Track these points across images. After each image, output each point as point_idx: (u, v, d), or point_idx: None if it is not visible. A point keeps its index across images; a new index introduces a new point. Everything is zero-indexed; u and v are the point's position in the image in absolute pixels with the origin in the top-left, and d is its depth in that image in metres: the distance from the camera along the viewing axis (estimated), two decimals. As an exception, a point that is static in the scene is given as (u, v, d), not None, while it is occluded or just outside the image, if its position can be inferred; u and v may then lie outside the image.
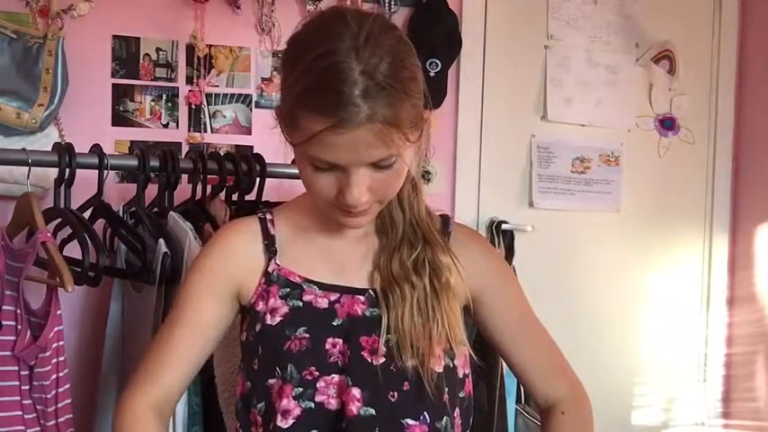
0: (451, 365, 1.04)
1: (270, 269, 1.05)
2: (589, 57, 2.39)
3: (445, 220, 1.12)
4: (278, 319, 1.02)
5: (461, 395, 1.07)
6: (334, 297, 1.04)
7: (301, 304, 1.03)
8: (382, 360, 1.00)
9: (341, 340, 1.01)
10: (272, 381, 1.01)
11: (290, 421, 0.99)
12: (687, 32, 2.47)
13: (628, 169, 2.42)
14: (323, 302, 1.03)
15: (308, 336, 1.01)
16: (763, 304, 2.38)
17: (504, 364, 1.39)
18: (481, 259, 1.12)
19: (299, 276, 1.04)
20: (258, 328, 1.03)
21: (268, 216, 1.09)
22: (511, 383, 1.58)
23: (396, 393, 1.00)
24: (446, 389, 1.03)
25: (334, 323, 1.02)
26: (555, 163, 2.36)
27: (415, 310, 1.02)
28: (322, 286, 1.04)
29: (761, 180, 2.42)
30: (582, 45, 2.38)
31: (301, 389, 1.00)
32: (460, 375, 1.06)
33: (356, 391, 0.99)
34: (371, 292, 1.04)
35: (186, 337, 1.04)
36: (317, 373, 1.00)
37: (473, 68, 2.26)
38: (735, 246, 2.49)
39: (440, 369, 1.02)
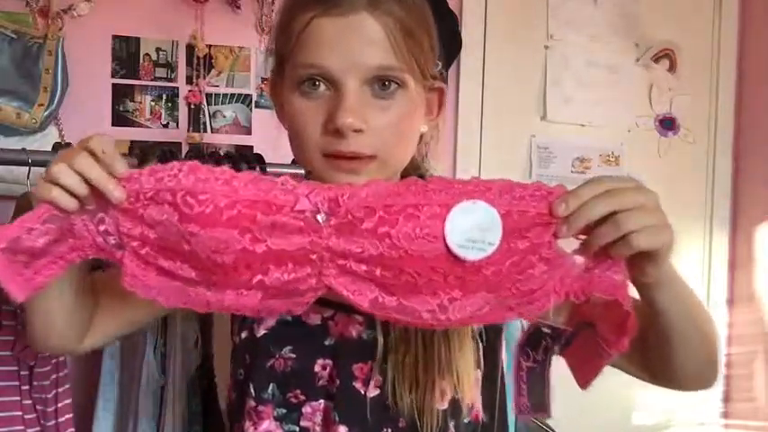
0: (458, 396, 0.90)
1: None
2: (589, 57, 2.39)
3: None
4: (263, 331, 0.91)
5: (466, 421, 0.92)
6: (327, 313, 0.91)
7: (290, 318, 0.90)
8: (376, 392, 0.88)
9: (331, 362, 0.90)
10: (252, 399, 0.91)
11: None
12: (687, 32, 2.47)
13: (628, 169, 2.42)
14: (315, 318, 0.91)
15: (294, 356, 0.90)
16: (763, 304, 2.38)
17: (504, 364, 1.38)
18: None
19: None
20: (244, 335, 0.93)
21: None
22: (511, 383, 1.57)
23: (389, 430, 0.88)
24: (451, 423, 0.89)
25: (326, 343, 0.90)
26: (555, 163, 2.36)
27: (419, 340, 0.88)
28: (316, 300, 0.88)
29: (761, 180, 2.42)
30: (582, 45, 2.38)
31: (284, 410, 0.90)
32: (468, 403, 0.91)
33: (342, 429, 0.87)
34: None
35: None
36: (302, 397, 0.90)
37: (473, 68, 2.26)
38: (735, 246, 2.49)
39: (443, 406, 0.89)
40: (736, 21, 2.49)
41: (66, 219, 0.74)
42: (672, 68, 2.46)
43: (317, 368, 0.90)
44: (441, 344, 0.88)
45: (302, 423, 0.90)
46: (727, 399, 2.49)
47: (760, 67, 2.45)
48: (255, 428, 0.90)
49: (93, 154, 0.74)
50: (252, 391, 0.91)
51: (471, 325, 0.79)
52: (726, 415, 2.49)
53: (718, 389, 2.49)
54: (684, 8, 2.46)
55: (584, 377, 0.81)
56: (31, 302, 0.84)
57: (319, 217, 0.72)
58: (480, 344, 0.94)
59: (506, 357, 0.98)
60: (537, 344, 0.79)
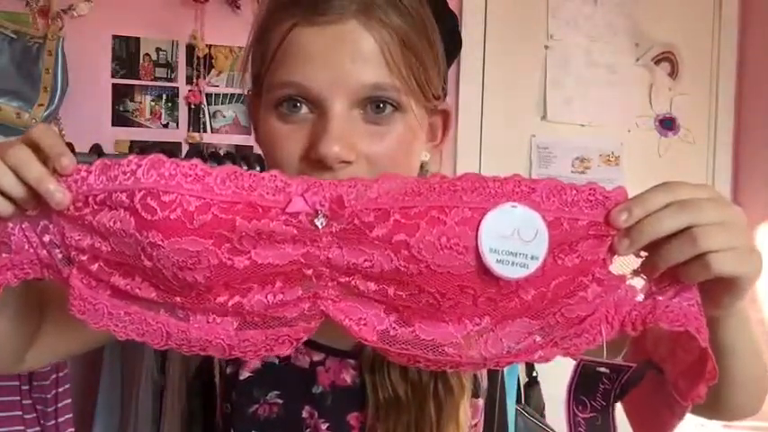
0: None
1: None
2: (589, 57, 2.39)
3: None
4: (247, 374, 0.82)
5: None
6: (317, 357, 0.81)
7: (277, 360, 0.80)
8: None
9: (317, 413, 0.80)
10: None
11: None
12: (687, 32, 2.46)
13: (628, 169, 2.42)
14: (303, 361, 0.81)
15: (280, 402, 0.81)
16: (763, 304, 2.38)
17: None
18: None
19: None
20: (229, 370, 0.85)
21: None
22: (511, 383, 1.58)
23: None
24: None
25: (314, 390, 0.80)
26: (555, 163, 2.36)
27: (413, 428, 0.77)
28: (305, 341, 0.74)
29: (761, 180, 2.42)
30: (582, 45, 2.38)
31: None
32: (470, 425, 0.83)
33: None
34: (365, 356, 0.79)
35: None
36: None
37: (473, 68, 2.26)
38: (735, 246, 2.49)
39: None
40: (736, 21, 2.49)
41: (0, 226, 0.60)
42: (674, 71, 2.45)
43: (304, 414, 0.80)
44: (434, 408, 0.78)
45: None
46: (727, 399, 2.49)
47: (760, 67, 2.45)
48: None
49: (34, 147, 0.61)
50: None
51: (504, 365, 0.62)
52: (726, 415, 2.49)
53: (718, 389, 2.49)
54: (684, 8, 2.46)
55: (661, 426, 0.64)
56: None
57: (318, 221, 0.57)
58: (479, 396, 0.87)
59: (507, 381, 0.90)
60: (593, 388, 0.61)
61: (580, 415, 0.63)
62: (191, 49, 1.98)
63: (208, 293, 0.59)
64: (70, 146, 1.50)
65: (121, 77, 1.94)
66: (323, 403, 0.80)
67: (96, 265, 0.61)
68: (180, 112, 1.98)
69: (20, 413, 1.36)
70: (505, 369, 0.93)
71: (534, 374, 1.82)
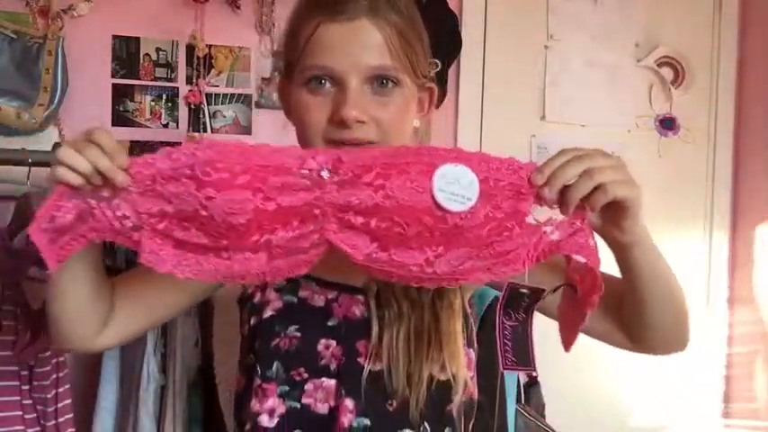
0: (452, 371, 0.98)
1: None
2: (589, 57, 2.39)
3: None
4: (269, 313, 0.98)
5: (462, 399, 1.01)
6: (331, 295, 0.99)
7: (296, 300, 0.98)
8: (379, 366, 0.96)
9: (334, 342, 0.97)
10: (258, 377, 0.97)
11: (276, 420, 0.96)
12: (687, 32, 2.46)
13: (628, 169, 2.42)
14: (319, 300, 0.99)
15: (299, 335, 0.97)
16: (763, 304, 2.38)
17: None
18: None
19: None
20: (253, 321, 1.00)
21: None
22: (511, 383, 1.58)
23: (393, 402, 0.95)
24: (451, 398, 0.98)
25: (330, 323, 0.98)
26: (555, 163, 2.36)
27: (411, 317, 0.97)
28: (320, 282, 0.99)
29: (761, 180, 2.42)
30: (582, 45, 2.38)
31: (287, 387, 0.96)
32: (462, 378, 1.00)
33: (349, 402, 0.94)
34: (371, 292, 0.98)
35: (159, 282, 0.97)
36: (306, 375, 0.96)
37: (473, 68, 2.26)
38: (735, 246, 2.49)
39: (444, 377, 0.98)
40: (736, 21, 2.49)
41: (84, 200, 0.82)
42: (677, 78, 2.45)
43: (320, 347, 0.97)
44: (431, 320, 0.97)
45: (304, 400, 0.96)
46: (727, 399, 2.50)
47: (760, 68, 2.45)
48: (261, 406, 0.96)
49: (97, 145, 0.82)
50: (258, 370, 0.97)
51: (455, 282, 0.85)
52: (726, 415, 2.49)
53: (718, 389, 2.49)
54: (685, 8, 2.46)
55: (567, 338, 0.90)
56: (53, 294, 0.92)
57: (323, 173, 0.81)
58: (473, 326, 1.05)
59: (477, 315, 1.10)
60: (516, 305, 0.87)
61: (507, 323, 0.87)
62: (191, 49, 1.98)
63: (246, 233, 0.81)
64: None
65: (121, 77, 1.94)
66: (338, 333, 0.97)
67: (163, 224, 0.82)
68: (180, 112, 1.99)
69: (20, 413, 1.36)
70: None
71: (534, 374, 1.82)
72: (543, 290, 0.86)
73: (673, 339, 0.99)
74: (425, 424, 0.96)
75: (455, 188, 0.80)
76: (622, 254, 0.88)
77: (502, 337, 0.87)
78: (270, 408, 0.96)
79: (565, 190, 0.81)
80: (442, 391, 0.98)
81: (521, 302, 0.87)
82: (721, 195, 2.49)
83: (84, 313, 0.94)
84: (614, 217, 0.83)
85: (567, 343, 0.89)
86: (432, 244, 0.81)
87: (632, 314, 0.96)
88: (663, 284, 0.93)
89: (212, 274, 0.84)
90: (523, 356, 0.87)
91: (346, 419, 0.94)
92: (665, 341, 0.99)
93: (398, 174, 0.80)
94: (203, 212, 0.80)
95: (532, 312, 0.87)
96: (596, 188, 0.80)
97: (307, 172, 0.81)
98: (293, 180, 0.81)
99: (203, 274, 0.84)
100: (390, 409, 0.96)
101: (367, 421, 0.95)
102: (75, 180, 0.81)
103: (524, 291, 0.86)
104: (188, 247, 0.83)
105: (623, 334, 0.99)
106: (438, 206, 0.79)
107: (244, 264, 0.83)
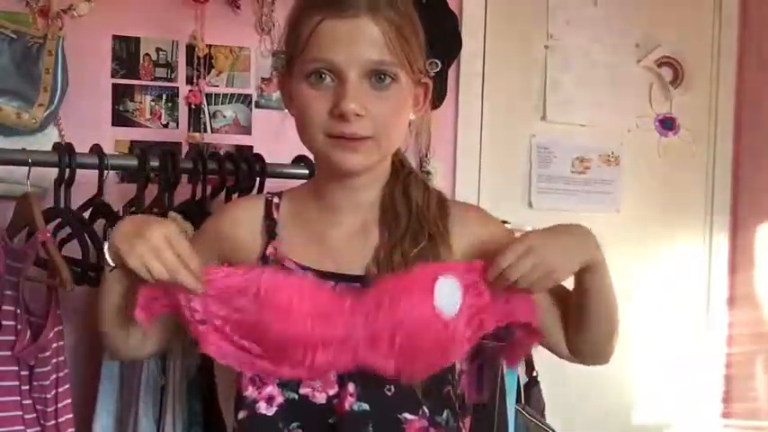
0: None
1: (267, 252, 1.04)
2: (589, 57, 2.39)
3: (442, 202, 1.09)
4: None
5: (458, 391, 1.05)
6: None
7: (297, 397, 1.00)
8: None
9: None
10: None
11: (274, 409, 0.98)
12: (687, 32, 2.47)
13: (628, 169, 2.42)
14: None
15: None
16: (763, 304, 2.38)
17: (504, 363, 1.38)
18: (482, 230, 1.08)
19: (294, 262, 1.03)
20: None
21: (275, 200, 1.09)
22: (511, 383, 1.58)
23: (392, 386, 0.98)
24: (449, 381, 1.02)
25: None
26: (555, 163, 2.36)
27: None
28: (318, 274, 1.01)
29: (761, 180, 2.42)
30: (582, 45, 2.38)
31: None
32: (457, 369, 1.06)
33: (350, 386, 0.97)
34: (369, 280, 1.00)
35: None
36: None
37: (473, 68, 2.26)
38: (735, 246, 2.49)
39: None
40: (737, 21, 2.49)
41: (171, 293, 0.97)
42: (676, 78, 2.45)
43: None
44: None
45: (302, 390, 0.99)
46: (727, 399, 2.50)
47: (760, 68, 2.45)
48: (259, 393, 0.99)
49: (172, 246, 0.91)
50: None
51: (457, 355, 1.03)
52: (726, 415, 2.49)
53: (718, 389, 2.49)
54: (685, 8, 2.46)
55: (512, 361, 1.21)
56: (109, 325, 1.10)
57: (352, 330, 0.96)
58: None
59: None
60: (482, 352, 1.08)
61: (472, 366, 1.14)
62: (191, 49, 1.98)
63: (293, 350, 0.95)
64: (69, 146, 1.50)
65: (121, 77, 1.93)
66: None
67: (227, 327, 0.97)
68: (180, 112, 1.98)
69: (20, 413, 1.36)
70: (505, 369, 1.05)
71: (534, 374, 1.82)
72: (503, 343, 1.09)
73: (602, 352, 1.14)
74: (424, 407, 0.98)
75: (448, 299, 0.95)
76: (577, 277, 1.02)
77: (470, 377, 1.11)
78: (268, 395, 0.99)
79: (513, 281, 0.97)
80: (441, 373, 1.00)
81: (485, 351, 1.11)
82: (721, 195, 2.49)
83: (137, 341, 1.09)
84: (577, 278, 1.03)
85: (513, 364, 1.22)
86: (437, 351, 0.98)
87: (574, 327, 1.09)
88: (608, 303, 1.06)
89: (263, 371, 0.99)
90: (490, 389, 1.13)
91: (347, 403, 0.97)
92: (595, 353, 1.14)
93: (407, 297, 0.95)
94: (261, 327, 0.94)
95: (497, 356, 1.14)
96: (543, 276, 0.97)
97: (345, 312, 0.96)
98: (333, 332, 0.95)
99: (255, 371, 0.99)
100: (389, 393, 0.98)
101: (366, 406, 0.97)
102: (150, 279, 0.92)
103: (488, 343, 1.07)
104: (244, 349, 0.97)
105: (565, 345, 1.12)
106: (441, 316, 0.95)
107: (289, 374, 0.98)
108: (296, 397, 0.98)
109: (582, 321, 1.07)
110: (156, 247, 0.90)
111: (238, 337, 0.96)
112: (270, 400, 0.99)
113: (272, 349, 0.95)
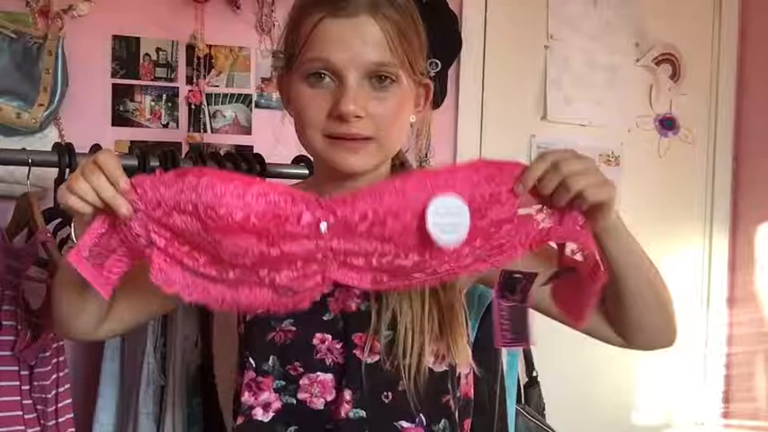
0: (453, 364, 1.00)
1: None
2: (589, 57, 2.39)
3: None
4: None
5: (458, 395, 1.02)
6: (327, 290, 0.96)
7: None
8: (376, 358, 0.97)
9: (330, 336, 0.98)
10: (252, 371, 0.98)
11: (270, 415, 0.97)
12: (687, 32, 2.46)
13: (628, 169, 2.42)
14: None
15: (293, 329, 0.98)
16: (763, 304, 2.38)
17: (504, 362, 1.38)
18: None
19: None
20: (248, 317, 1.01)
21: None
22: (511, 383, 1.58)
23: (389, 394, 0.97)
24: (448, 389, 0.99)
25: (325, 318, 0.98)
26: (555, 163, 2.36)
27: (412, 305, 0.97)
28: None
29: (761, 180, 2.42)
30: (582, 45, 2.38)
31: (283, 382, 0.98)
32: (459, 375, 1.02)
33: (347, 393, 0.96)
34: None
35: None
36: (301, 370, 0.98)
37: (473, 68, 2.26)
38: (735, 246, 2.49)
39: (440, 368, 0.99)
40: (737, 20, 2.49)
41: (113, 223, 0.85)
42: (675, 73, 2.45)
43: (315, 341, 0.98)
44: (429, 312, 0.97)
45: (300, 395, 0.97)
46: (727, 399, 2.50)
47: (760, 68, 2.45)
48: (255, 399, 0.98)
49: (101, 169, 0.83)
50: (252, 363, 0.99)
51: (456, 275, 0.89)
52: (726, 415, 2.49)
53: (718, 389, 2.49)
54: (685, 8, 2.46)
55: (578, 315, 0.92)
56: (60, 292, 0.97)
57: (321, 226, 0.84)
58: (468, 320, 1.06)
59: (471, 324, 1.11)
60: (512, 288, 0.89)
61: (503, 304, 0.89)
62: (191, 49, 1.98)
63: (252, 269, 0.85)
64: (69, 146, 1.50)
65: (121, 77, 1.94)
66: (334, 327, 0.98)
67: (172, 248, 0.86)
68: (180, 112, 1.98)
69: (20, 413, 1.36)
70: (505, 369, 1.02)
71: (534, 374, 1.82)
72: (536, 273, 0.89)
73: (657, 333, 1.02)
74: (421, 415, 0.97)
75: (448, 219, 0.82)
76: (598, 243, 0.89)
77: (499, 317, 0.89)
78: (264, 401, 0.97)
79: (546, 197, 0.85)
80: (439, 382, 0.99)
81: (516, 286, 0.89)
82: (721, 195, 2.49)
83: (82, 311, 0.98)
84: (589, 213, 0.85)
85: (581, 319, 0.93)
86: (431, 262, 0.86)
87: (614, 306, 0.97)
88: (640, 272, 0.95)
89: (219, 300, 0.88)
90: (521, 332, 0.90)
91: (343, 410, 0.95)
92: (648, 336, 1.01)
93: (394, 219, 0.83)
94: (212, 249, 0.84)
95: (528, 293, 0.89)
96: (575, 196, 0.83)
97: (305, 228, 0.84)
98: (293, 230, 0.84)
99: (210, 300, 0.88)
100: (386, 400, 0.97)
101: (363, 413, 0.96)
102: (84, 208, 0.83)
103: (518, 276, 0.88)
104: (196, 273, 0.87)
105: (611, 329, 1.01)
106: (435, 241, 0.82)
107: (250, 297, 0.88)
108: (294, 402, 0.97)
109: (621, 299, 0.95)
110: (84, 173, 0.83)
111: (188, 260, 0.86)
112: (266, 406, 0.97)
113: (226, 269, 0.86)
